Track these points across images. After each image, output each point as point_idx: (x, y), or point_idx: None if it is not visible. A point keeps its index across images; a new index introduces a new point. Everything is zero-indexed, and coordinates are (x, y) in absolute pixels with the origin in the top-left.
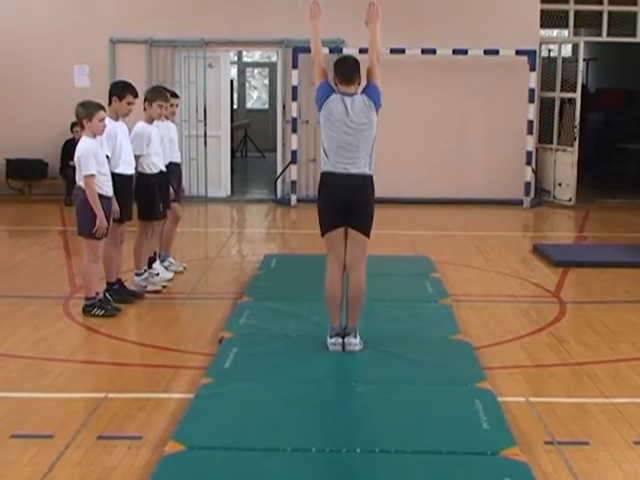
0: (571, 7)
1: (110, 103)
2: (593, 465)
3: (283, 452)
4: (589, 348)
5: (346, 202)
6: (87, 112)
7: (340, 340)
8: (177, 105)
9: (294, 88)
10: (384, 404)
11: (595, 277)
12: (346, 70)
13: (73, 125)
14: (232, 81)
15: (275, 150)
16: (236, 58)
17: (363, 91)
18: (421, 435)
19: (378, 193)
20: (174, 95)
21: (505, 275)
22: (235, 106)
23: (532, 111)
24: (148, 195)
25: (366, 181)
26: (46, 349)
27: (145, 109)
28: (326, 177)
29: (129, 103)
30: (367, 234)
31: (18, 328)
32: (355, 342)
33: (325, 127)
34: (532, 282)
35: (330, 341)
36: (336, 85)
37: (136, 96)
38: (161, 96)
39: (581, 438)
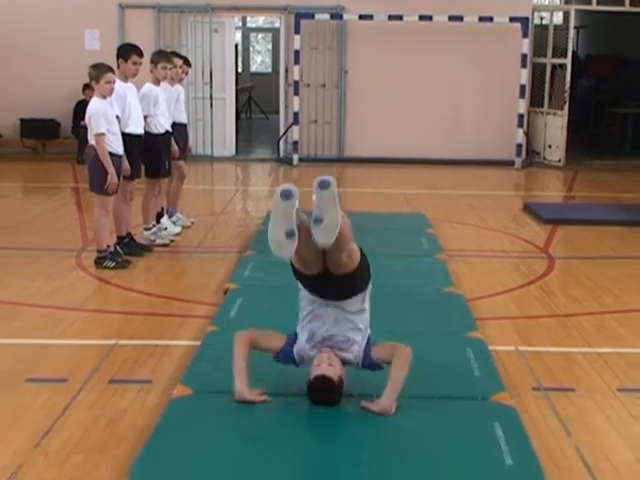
0: None
1: (118, 66)
2: (578, 411)
3: (284, 396)
4: (576, 301)
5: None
6: (96, 74)
7: None
8: (187, 73)
9: (296, 52)
10: None
11: (582, 234)
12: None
13: (85, 87)
14: (237, 46)
15: (278, 112)
16: (240, 23)
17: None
18: (416, 381)
19: (375, 153)
20: (186, 62)
21: (497, 232)
22: (239, 70)
23: (524, 76)
24: (155, 154)
25: None
26: (60, 299)
27: (151, 71)
28: None
29: (135, 63)
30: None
31: (33, 279)
32: None
33: None
34: (522, 239)
35: None
36: None
37: (141, 56)
38: (165, 58)
39: (567, 385)
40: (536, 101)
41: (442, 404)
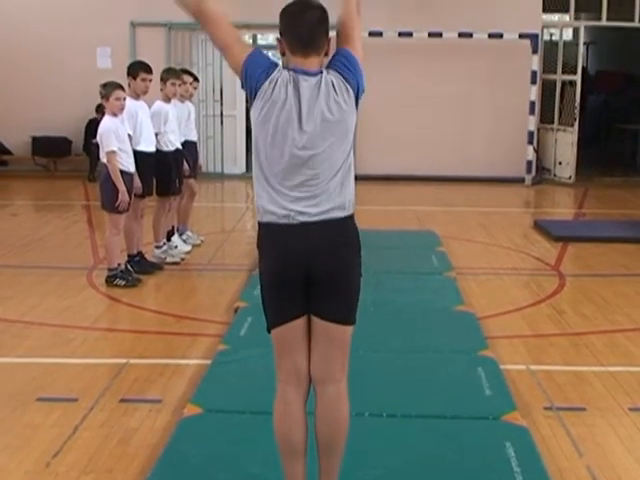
0: None
1: (129, 84)
2: (590, 430)
3: None
4: (587, 319)
5: (307, 274)
6: (105, 92)
7: None
8: (196, 88)
9: None
10: (391, 370)
11: (593, 251)
12: (305, 28)
13: (98, 107)
14: None
15: None
16: (251, 41)
17: (331, 65)
18: (426, 400)
19: (385, 170)
20: (194, 78)
21: (507, 249)
22: None
23: (534, 92)
24: (165, 172)
25: (342, 230)
26: (71, 317)
27: (161, 89)
28: (269, 232)
29: (143, 80)
30: (350, 321)
31: (44, 297)
32: None
33: (261, 134)
34: (533, 256)
35: None
36: (283, 55)
37: (149, 72)
38: (173, 75)
39: (579, 404)
40: (546, 118)
41: (453, 424)
